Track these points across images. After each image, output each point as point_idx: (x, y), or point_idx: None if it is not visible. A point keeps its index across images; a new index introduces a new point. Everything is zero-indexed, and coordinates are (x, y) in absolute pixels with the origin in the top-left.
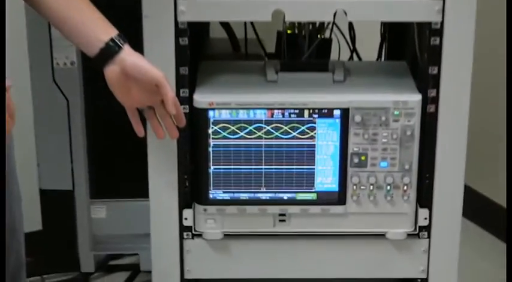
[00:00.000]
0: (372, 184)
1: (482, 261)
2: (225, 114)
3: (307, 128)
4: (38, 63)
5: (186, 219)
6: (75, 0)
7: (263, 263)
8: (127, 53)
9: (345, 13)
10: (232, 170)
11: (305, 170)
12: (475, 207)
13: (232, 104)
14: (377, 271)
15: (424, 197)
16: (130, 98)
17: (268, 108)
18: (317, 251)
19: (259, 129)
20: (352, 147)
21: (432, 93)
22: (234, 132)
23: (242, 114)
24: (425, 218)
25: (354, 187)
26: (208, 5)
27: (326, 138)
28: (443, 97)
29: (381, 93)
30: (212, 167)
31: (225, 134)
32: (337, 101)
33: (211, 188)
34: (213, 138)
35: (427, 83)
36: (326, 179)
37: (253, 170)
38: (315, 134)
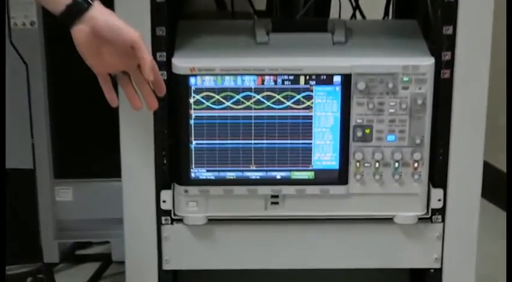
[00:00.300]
0: (377, 161)
1: (504, 248)
2: (208, 82)
3: (303, 97)
4: None
5: (164, 201)
6: None
7: (253, 252)
8: (97, 10)
9: None
10: (217, 146)
11: (301, 145)
12: (496, 186)
13: (216, 70)
14: (383, 260)
15: (438, 176)
16: (102, 62)
17: (258, 74)
18: (315, 238)
19: (247, 98)
20: (354, 119)
21: (447, 56)
22: (218, 102)
23: (228, 81)
24: (439, 200)
25: (357, 164)
26: None
27: (325, 109)
28: (460, 61)
29: (387, 57)
30: (194, 142)
31: (208, 103)
32: (338, 65)
33: (193, 166)
34: (194, 109)
35: (440, 44)
36: (325, 155)
37: (241, 146)
38: (312, 103)
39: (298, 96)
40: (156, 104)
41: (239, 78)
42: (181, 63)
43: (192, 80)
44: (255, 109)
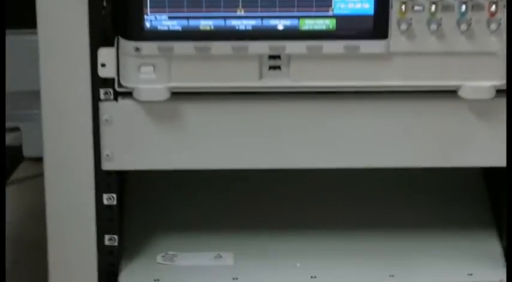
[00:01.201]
0: (433, 2)
1: None
2: None
3: None
4: None
5: (103, 66)
6: None
7: (241, 143)
8: None
9: None
10: None
11: None
12: None
13: None
14: (443, 157)
15: None
16: None
17: None
18: (336, 122)
19: None
20: None
21: None
22: None
23: None
24: None
25: (402, 8)
26: None
27: None
28: None
29: None
30: None
31: None
32: None
33: (149, 10)
34: None
35: None
36: None
37: None
38: None
39: None
40: None
41: None
42: None
43: None
44: None
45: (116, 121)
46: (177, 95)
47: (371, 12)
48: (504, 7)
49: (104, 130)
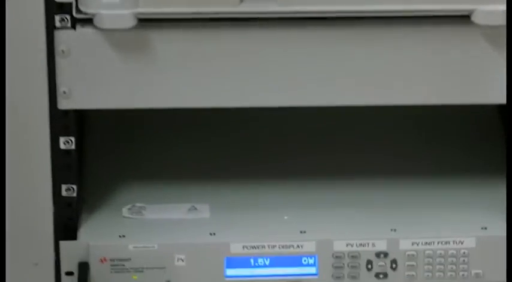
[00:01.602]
0: None
1: None
2: None
3: None
4: None
5: None
6: None
7: (217, 79)
8: None
9: None
10: None
11: None
12: None
13: None
14: (452, 93)
15: None
16: None
17: None
18: (331, 53)
19: None
20: None
21: None
22: None
23: None
24: None
25: None
26: None
27: None
28: None
29: None
30: None
31: None
32: None
33: None
34: None
35: None
36: None
37: None
38: None
39: None
40: None
41: None
42: None
43: None
44: None
45: (74, 52)
46: (145, 22)
47: None
48: None
49: (60, 63)
